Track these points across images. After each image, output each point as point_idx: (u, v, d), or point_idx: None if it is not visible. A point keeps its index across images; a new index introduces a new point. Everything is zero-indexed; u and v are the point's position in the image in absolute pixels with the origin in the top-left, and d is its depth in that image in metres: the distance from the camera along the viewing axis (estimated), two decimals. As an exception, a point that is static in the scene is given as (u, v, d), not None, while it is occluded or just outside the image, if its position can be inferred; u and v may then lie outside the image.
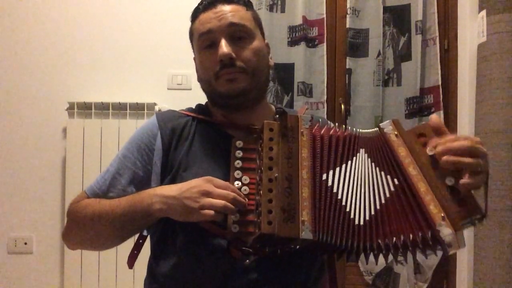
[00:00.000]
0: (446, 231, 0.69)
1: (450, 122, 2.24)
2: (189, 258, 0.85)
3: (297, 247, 0.75)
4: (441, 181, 0.72)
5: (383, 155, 0.78)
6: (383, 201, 0.75)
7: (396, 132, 0.78)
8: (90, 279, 2.13)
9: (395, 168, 0.76)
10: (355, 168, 0.78)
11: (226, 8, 0.93)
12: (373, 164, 0.78)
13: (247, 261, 0.79)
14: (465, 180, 0.70)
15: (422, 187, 0.73)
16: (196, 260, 0.85)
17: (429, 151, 0.75)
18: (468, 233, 2.02)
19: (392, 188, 0.75)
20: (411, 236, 0.71)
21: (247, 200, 0.79)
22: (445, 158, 0.71)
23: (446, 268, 2.22)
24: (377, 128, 0.81)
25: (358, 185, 0.77)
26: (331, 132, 0.81)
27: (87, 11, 2.29)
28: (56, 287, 2.21)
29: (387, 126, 0.80)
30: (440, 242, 0.70)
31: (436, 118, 0.77)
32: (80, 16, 2.29)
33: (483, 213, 0.71)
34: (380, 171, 0.77)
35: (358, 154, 0.79)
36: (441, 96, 2.20)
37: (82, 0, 2.29)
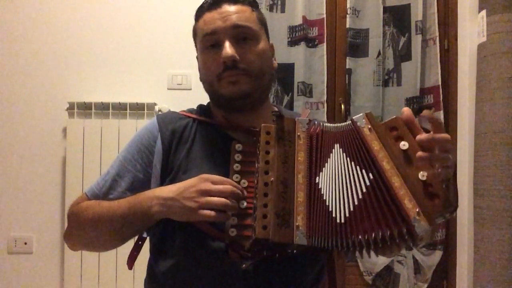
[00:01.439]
0: (421, 227, 0.69)
1: (450, 122, 2.24)
2: (188, 260, 0.85)
3: (294, 251, 0.75)
4: (415, 176, 0.72)
5: (357, 149, 0.77)
6: (360, 197, 0.74)
7: (369, 126, 0.77)
8: (90, 279, 2.13)
9: (369, 163, 0.75)
10: (332, 165, 0.77)
11: (231, 8, 0.92)
12: (348, 158, 0.77)
13: (244, 265, 0.78)
14: (433, 171, 0.71)
15: (396, 181, 0.72)
16: (194, 262, 0.85)
17: (402, 145, 0.74)
18: (468, 233, 2.02)
19: (367, 183, 0.74)
20: (388, 231, 0.71)
21: (246, 193, 0.79)
22: (419, 154, 0.72)
23: (446, 268, 2.22)
24: (350, 121, 0.79)
25: (337, 182, 0.76)
26: (324, 132, 0.80)
27: (87, 11, 2.29)
28: (56, 287, 2.21)
29: (360, 119, 0.78)
30: (414, 237, 0.70)
31: (408, 110, 0.76)
32: (80, 16, 2.29)
33: (454, 207, 0.71)
34: (355, 165, 0.76)
35: (333, 150, 0.78)
36: (441, 96, 2.20)
37: (82, 0, 2.29)
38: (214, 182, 0.78)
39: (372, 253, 0.74)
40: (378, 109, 2.22)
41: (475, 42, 2.00)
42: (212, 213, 0.76)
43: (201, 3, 0.97)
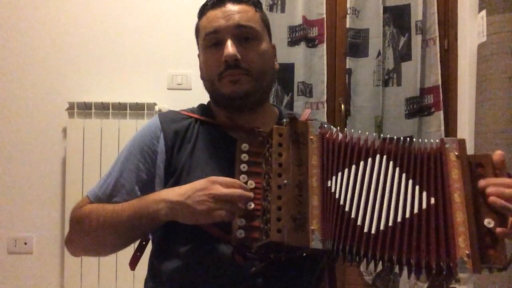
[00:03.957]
0: (464, 270, 0.68)
1: (450, 122, 2.24)
2: (193, 262, 0.85)
3: (303, 254, 0.74)
4: (480, 219, 0.70)
5: (429, 170, 0.75)
6: (407, 215, 0.73)
7: (457, 153, 0.75)
8: (90, 279, 2.13)
9: (437, 187, 0.74)
10: (363, 174, 0.76)
11: (235, 7, 0.92)
12: (403, 175, 0.76)
13: (253, 268, 0.77)
14: (503, 228, 0.69)
15: (459, 217, 0.71)
16: (200, 264, 0.84)
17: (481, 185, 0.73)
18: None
19: (424, 206, 0.73)
20: (426, 259, 0.70)
21: (253, 194, 0.78)
22: (493, 198, 0.70)
23: (446, 268, 2.22)
24: (439, 140, 0.78)
25: (370, 192, 0.75)
26: (345, 139, 0.79)
27: (87, 11, 2.29)
28: (56, 287, 2.21)
29: (450, 143, 0.76)
30: (452, 275, 0.69)
31: (501, 154, 0.75)
32: (80, 16, 2.28)
33: (505, 266, 0.69)
34: (414, 184, 0.75)
35: (369, 160, 0.77)
36: (441, 96, 2.19)
37: (82, 0, 2.29)
38: (223, 185, 0.77)
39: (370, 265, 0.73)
40: (378, 109, 2.22)
41: (475, 42, 2.00)
42: (223, 214, 0.75)
43: (205, 1, 0.96)
